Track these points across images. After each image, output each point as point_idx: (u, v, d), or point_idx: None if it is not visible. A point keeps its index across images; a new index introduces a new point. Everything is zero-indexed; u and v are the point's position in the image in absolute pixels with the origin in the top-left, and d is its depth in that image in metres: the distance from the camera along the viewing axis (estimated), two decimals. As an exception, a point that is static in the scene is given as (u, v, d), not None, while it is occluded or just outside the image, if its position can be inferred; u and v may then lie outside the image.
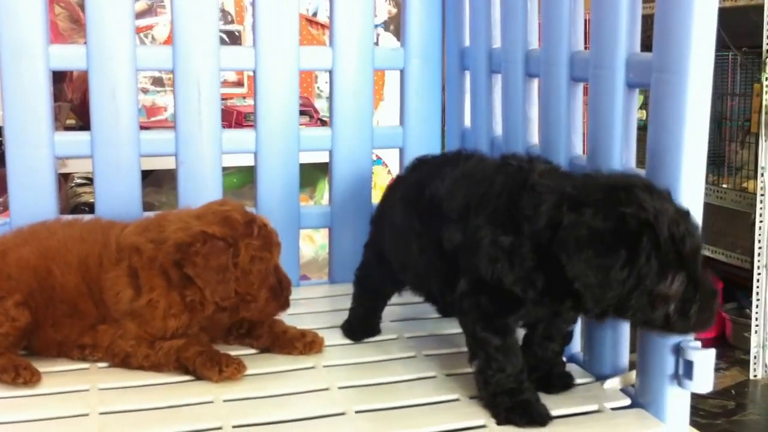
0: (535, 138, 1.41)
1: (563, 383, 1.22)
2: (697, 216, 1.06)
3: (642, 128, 1.13)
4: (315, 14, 2.92)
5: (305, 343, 1.34)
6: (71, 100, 2.55)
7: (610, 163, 1.20)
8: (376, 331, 1.43)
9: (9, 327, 1.27)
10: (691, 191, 1.07)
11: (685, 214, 1.03)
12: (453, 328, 1.30)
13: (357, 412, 1.15)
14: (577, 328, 1.33)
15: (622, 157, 1.19)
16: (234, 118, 2.51)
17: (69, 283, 1.31)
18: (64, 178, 2.61)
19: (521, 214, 1.06)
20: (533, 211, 1.05)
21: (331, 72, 1.66)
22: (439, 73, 1.72)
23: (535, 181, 1.07)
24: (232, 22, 2.97)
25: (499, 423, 1.11)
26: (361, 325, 1.43)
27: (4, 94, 1.51)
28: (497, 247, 1.08)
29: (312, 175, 2.61)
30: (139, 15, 2.84)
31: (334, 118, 1.67)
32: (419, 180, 1.25)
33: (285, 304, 1.34)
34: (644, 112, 3.22)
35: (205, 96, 1.58)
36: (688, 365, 1.09)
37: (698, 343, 1.10)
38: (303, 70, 1.66)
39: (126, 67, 1.54)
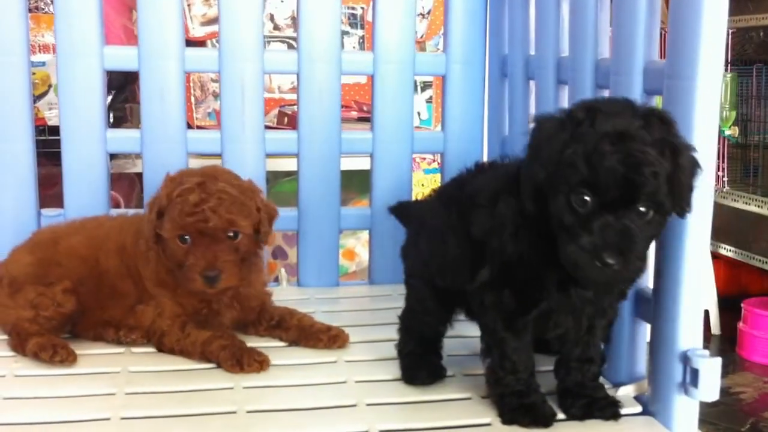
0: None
1: (612, 412, 1.15)
2: (707, 218, 1.07)
3: (735, 146, 1.11)
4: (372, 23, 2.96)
5: (330, 337, 1.38)
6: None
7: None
8: (441, 369, 1.28)
9: (54, 312, 1.35)
10: (700, 193, 1.06)
11: (643, 149, 0.95)
12: (475, 331, 1.31)
13: (368, 405, 1.18)
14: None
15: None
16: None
17: (111, 267, 1.39)
18: (138, 178, 2.70)
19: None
20: None
21: (372, 76, 1.70)
22: (481, 79, 1.74)
23: None
24: (300, 29, 3.03)
25: (504, 422, 1.13)
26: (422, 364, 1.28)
27: (60, 93, 1.60)
28: (521, 218, 1.06)
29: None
30: (212, 21, 2.93)
31: (376, 122, 1.71)
32: (460, 181, 1.25)
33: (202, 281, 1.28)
34: (737, 129, 3.17)
35: (248, 98, 1.65)
36: (695, 373, 1.09)
37: (705, 352, 1.10)
38: (345, 74, 1.70)
39: (174, 68, 1.62)
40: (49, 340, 1.30)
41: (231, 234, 1.29)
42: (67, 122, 1.61)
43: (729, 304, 2.95)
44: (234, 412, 1.14)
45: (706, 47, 1.04)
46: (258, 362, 1.27)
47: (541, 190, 1.02)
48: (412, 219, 1.35)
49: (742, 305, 2.83)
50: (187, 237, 1.28)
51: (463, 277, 1.17)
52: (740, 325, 2.81)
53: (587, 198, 0.97)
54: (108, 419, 1.12)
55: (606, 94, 1.30)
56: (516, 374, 1.13)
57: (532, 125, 1.05)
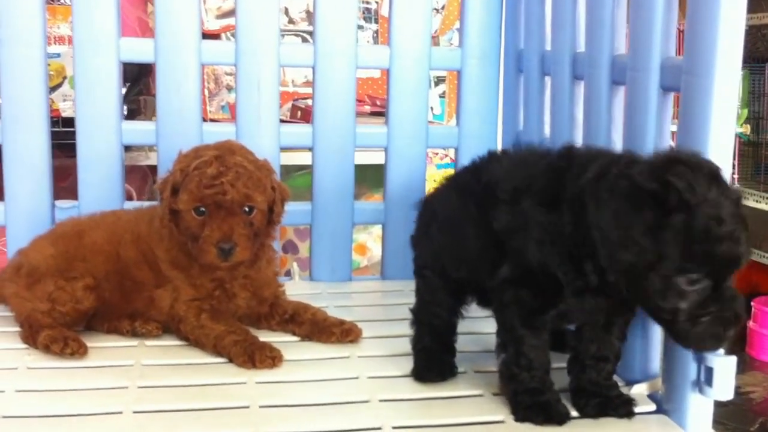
0: (580, 139, 1.41)
1: (627, 410, 1.15)
2: None
3: (747, 144, 1.11)
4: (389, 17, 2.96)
5: (343, 330, 1.38)
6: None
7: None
8: (452, 368, 1.28)
9: (71, 308, 1.35)
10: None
11: (737, 219, 0.95)
12: (490, 328, 1.31)
13: (381, 400, 1.17)
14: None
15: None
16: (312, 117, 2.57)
17: (130, 258, 1.39)
18: (150, 170, 2.70)
19: (564, 189, 1.04)
20: (577, 178, 1.03)
21: (388, 70, 1.70)
22: (496, 74, 1.73)
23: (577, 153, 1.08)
24: (315, 22, 3.03)
25: (516, 419, 1.12)
26: (434, 362, 1.27)
27: (77, 85, 1.60)
28: (546, 227, 1.05)
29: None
30: (227, 14, 2.93)
31: (391, 116, 1.71)
32: (475, 170, 1.22)
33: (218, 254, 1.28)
34: (748, 126, 3.15)
35: (264, 91, 1.64)
36: (709, 372, 1.08)
37: (720, 350, 1.09)
38: (361, 68, 1.70)
39: (191, 61, 1.62)
40: (61, 333, 1.30)
41: (246, 209, 1.30)
42: (82, 114, 1.61)
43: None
44: (247, 407, 1.14)
45: (725, 44, 1.02)
46: (271, 358, 1.27)
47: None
48: (423, 207, 1.31)
49: (752, 304, 2.81)
50: (203, 209, 1.28)
51: (482, 270, 1.16)
52: (750, 323, 2.80)
53: (696, 277, 0.96)
54: (120, 413, 1.12)
55: (622, 90, 1.30)
56: (531, 371, 1.13)
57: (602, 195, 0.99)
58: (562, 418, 1.12)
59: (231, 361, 1.29)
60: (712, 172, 0.96)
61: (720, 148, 1.05)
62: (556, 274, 1.06)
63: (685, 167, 0.95)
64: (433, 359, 1.27)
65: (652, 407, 1.17)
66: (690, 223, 0.93)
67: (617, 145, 1.30)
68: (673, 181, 0.94)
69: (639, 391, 1.20)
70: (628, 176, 0.97)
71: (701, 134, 1.06)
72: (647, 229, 0.94)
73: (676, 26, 1.17)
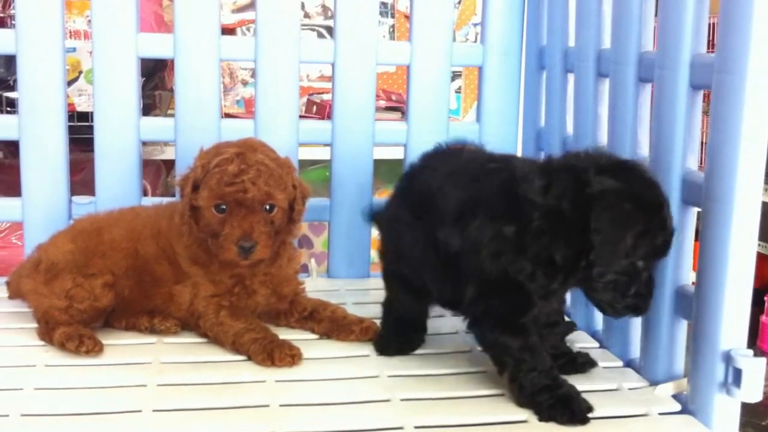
0: (605, 138, 1.40)
1: (591, 365, 1.26)
2: (755, 214, 1.06)
3: None
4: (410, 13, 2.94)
5: (362, 328, 1.37)
6: (172, 88, 2.65)
7: (672, 165, 1.18)
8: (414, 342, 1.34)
9: (88, 305, 1.34)
10: (748, 192, 1.05)
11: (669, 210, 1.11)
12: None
13: (402, 399, 1.16)
14: (636, 334, 1.31)
15: (685, 159, 1.17)
16: (327, 112, 2.57)
17: (149, 254, 1.38)
18: (165, 165, 2.70)
19: (522, 200, 1.09)
20: (542, 190, 1.09)
21: (408, 67, 1.68)
22: (518, 70, 1.71)
23: (528, 169, 1.12)
24: (332, 17, 3.02)
25: (541, 419, 1.11)
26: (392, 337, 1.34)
27: (95, 80, 1.59)
28: (500, 239, 1.10)
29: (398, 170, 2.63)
30: (243, 9, 2.92)
31: (410, 112, 1.69)
32: (411, 176, 1.28)
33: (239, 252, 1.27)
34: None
35: (283, 86, 1.63)
36: (737, 373, 1.07)
37: (749, 351, 1.07)
38: (381, 64, 1.69)
39: (210, 57, 1.61)
40: (76, 330, 1.30)
41: (267, 207, 1.29)
42: (100, 110, 1.60)
43: (752, 297, 2.90)
44: (267, 406, 1.13)
45: (758, 40, 1.01)
46: (290, 356, 1.26)
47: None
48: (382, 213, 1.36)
49: (765, 298, 2.80)
50: (223, 206, 1.27)
51: (423, 271, 1.22)
52: (763, 318, 2.80)
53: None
54: (140, 411, 1.11)
55: (649, 88, 1.28)
56: (536, 370, 1.13)
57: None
58: (585, 414, 1.11)
59: (250, 359, 1.27)
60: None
61: (753, 147, 1.03)
62: (519, 281, 1.10)
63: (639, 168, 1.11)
64: (394, 335, 1.33)
65: (677, 407, 1.16)
66: (659, 225, 1.08)
67: (643, 144, 1.29)
68: (654, 186, 1.09)
69: (664, 391, 1.19)
70: (627, 193, 1.07)
71: (733, 133, 1.04)
72: (636, 235, 1.07)
73: (707, 21, 1.15)
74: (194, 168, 1.32)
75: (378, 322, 1.40)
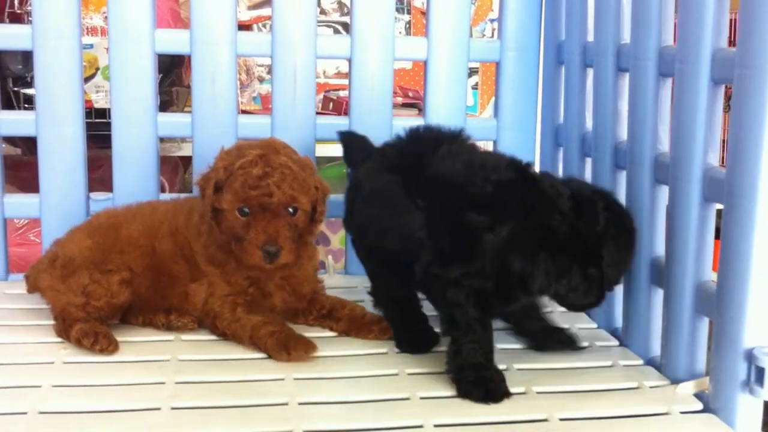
0: (624, 134, 1.38)
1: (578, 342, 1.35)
2: None
3: None
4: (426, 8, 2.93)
5: (381, 328, 1.36)
6: (188, 85, 2.65)
7: (693, 161, 1.17)
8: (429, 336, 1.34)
9: (105, 302, 1.34)
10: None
11: None
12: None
13: (421, 398, 1.16)
14: (657, 332, 1.31)
15: (706, 155, 1.16)
16: (344, 109, 2.56)
17: (165, 251, 1.37)
18: (182, 162, 2.70)
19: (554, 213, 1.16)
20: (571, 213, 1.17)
21: (426, 62, 1.67)
22: (535, 66, 1.70)
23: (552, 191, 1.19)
24: (348, 14, 3.01)
25: (459, 395, 1.16)
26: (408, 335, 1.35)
27: (112, 77, 1.59)
28: (535, 242, 1.15)
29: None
30: (259, 5, 2.92)
31: (427, 108, 1.68)
32: (413, 153, 1.27)
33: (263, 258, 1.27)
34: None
35: (300, 82, 1.63)
36: (760, 372, 1.05)
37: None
38: (398, 60, 1.68)
39: (226, 52, 1.60)
40: (93, 327, 1.29)
41: (291, 210, 1.28)
42: (118, 106, 1.60)
43: None
44: (285, 404, 1.13)
45: (781, 34, 0.99)
46: (304, 346, 1.26)
47: None
48: (349, 185, 1.39)
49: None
50: (247, 210, 1.26)
51: (420, 254, 1.20)
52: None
53: None
54: (158, 409, 1.10)
55: (669, 83, 1.27)
56: (478, 343, 1.18)
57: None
58: (500, 396, 1.15)
59: (266, 352, 1.27)
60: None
61: (775, 143, 1.02)
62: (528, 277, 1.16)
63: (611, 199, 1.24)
64: (407, 332, 1.33)
65: (699, 406, 1.15)
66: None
67: (664, 140, 1.28)
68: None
69: (685, 390, 1.18)
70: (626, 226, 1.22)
71: (755, 128, 1.03)
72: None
73: (729, 16, 1.13)
74: (216, 169, 1.30)
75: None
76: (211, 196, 1.29)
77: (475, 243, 1.15)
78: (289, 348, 1.25)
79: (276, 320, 1.32)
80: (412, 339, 1.33)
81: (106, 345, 1.27)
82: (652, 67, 1.27)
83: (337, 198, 1.66)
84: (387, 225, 1.25)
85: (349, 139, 1.51)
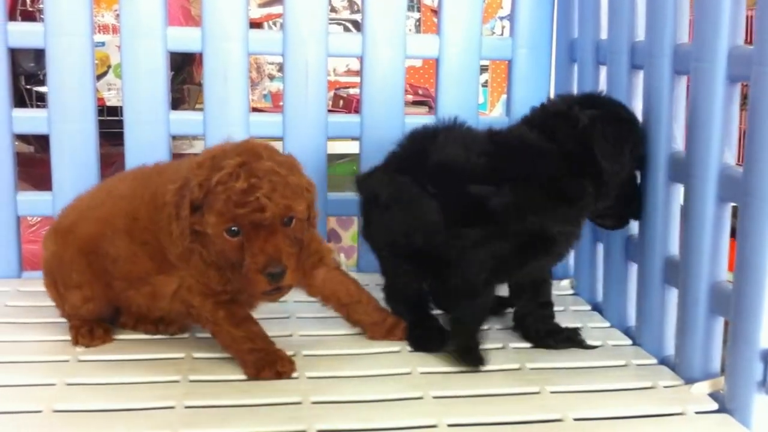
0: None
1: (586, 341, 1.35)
2: None
3: None
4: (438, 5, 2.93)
5: (386, 328, 1.34)
6: (200, 83, 2.65)
7: (709, 160, 1.16)
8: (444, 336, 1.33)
9: (80, 315, 1.31)
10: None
11: None
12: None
13: (434, 397, 1.15)
14: (670, 331, 1.30)
15: (722, 154, 1.15)
16: (354, 106, 2.56)
17: (120, 255, 1.23)
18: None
19: (541, 155, 1.24)
20: (545, 138, 1.25)
21: (437, 60, 1.67)
22: (547, 64, 1.70)
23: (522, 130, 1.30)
24: (358, 11, 3.01)
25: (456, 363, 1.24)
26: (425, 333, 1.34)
27: (124, 74, 1.59)
28: (540, 195, 1.22)
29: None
30: (269, 3, 2.92)
31: (439, 106, 1.68)
32: (417, 150, 1.31)
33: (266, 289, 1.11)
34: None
35: (312, 80, 1.62)
36: (776, 373, 1.05)
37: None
38: (410, 57, 1.68)
39: (238, 50, 1.60)
40: (85, 323, 1.30)
41: (286, 220, 1.11)
42: (130, 104, 1.60)
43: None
44: (299, 403, 1.12)
45: (800, 32, 0.99)
46: (282, 366, 1.19)
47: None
48: (363, 200, 1.38)
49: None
50: (235, 228, 1.09)
51: (439, 237, 1.25)
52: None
53: None
54: (172, 407, 1.10)
55: (684, 80, 1.26)
56: (478, 325, 1.27)
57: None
58: (479, 364, 1.24)
59: (244, 368, 1.20)
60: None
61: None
62: (549, 233, 1.23)
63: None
64: (423, 330, 1.34)
65: (714, 406, 1.14)
66: (640, 137, 1.30)
67: (678, 138, 1.27)
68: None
69: (700, 390, 1.17)
70: (607, 114, 1.26)
71: (772, 127, 1.02)
72: (631, 142, 1.26)
73: (745, 13, 1.13)
74: (190, 186, 1.10)
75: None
76: (188, 218, 1.11)
77: (486, 212, 1.21)
78: (266, 367, 1.18)
79: (258, 334, 1.22)
80: (424, 337, 1.32)
81: (87, 342, 1.28)
82: (667, 65, 1.26)
83: (349, 196, 1.66)
84: (411, 224, 1.26)
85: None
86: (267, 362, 1.19)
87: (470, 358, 1.24)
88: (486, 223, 1.21)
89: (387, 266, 1.38)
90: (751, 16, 1.05)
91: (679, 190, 1.26)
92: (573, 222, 1.27)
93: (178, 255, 1.17)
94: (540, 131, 1.26)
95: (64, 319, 1.35)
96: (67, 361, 1.25)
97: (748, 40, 1.09)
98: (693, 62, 1.18)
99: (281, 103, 1.66)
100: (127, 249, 1.22)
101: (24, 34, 1.59)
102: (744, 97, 1.13)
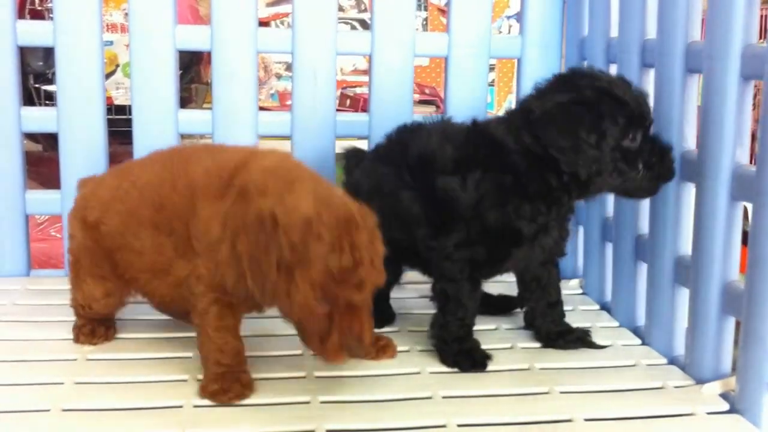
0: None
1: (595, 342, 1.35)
2: None
3: None
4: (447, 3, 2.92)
5: (378, 348, 1.27)
6: (207, 82, 2.65)
7: (721, 159, 1.15)
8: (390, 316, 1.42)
9: (95, 310, 1.29)
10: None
11: (631, 83, 1.21)
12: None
13: (444, 397, 1.15)
14: (680, 330, 1.29)
15: (734, 153, 1.14)
16: (360, 105, 2.56)
17: (146, 241, 1.18)
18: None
19: (506, 150, 1.22)
20: (507, 132, 1.22)
21: (446, 59, 1.66)
22: (557, 62, 1.69)
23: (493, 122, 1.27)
24: (365, 10, 3.01)
25: (447, 365, 1.24)
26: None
27: (133, 73, 1.59)
28: (502, 189, 1.21)
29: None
30: (275, 3, 2.92)
31: (448, 105, 1.67)
32: (395, 143, 1.36)
33: (330, 351, 1.06)
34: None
35: (321, 79, 1.62)
36: (788, 372, 1.04)
37: (800, 351, 1.05)
38: (419, 56, 1.67)
39: (247, 49, 1.60)
40: (88, 322, 1.30)
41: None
42: (139, 103, 1.60)
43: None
44: (308, 402, 1.12)
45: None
46: (240, 388, 1.12)
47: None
48: (348, 189, 1.35)
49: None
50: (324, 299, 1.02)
51: (417, 228, 1.28)
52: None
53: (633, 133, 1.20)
54: (180, 407, 1.10)
55: (696, 79, 1.25)
56: (464, 320, 1.26)
57: None
58: (485, 361, 1.25)
59: (205, 379, 1.15)
60: (595, 71, 1.23)
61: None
62: (514, 227, 1.21)
63: (577, 76, 1.22)
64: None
65: (725, 407, 1.13)
66: (613, 100, 1.17)
67: (690, 137, 1.26)
68: (582, 84, 1.19)
69: (711, 390, 1.17)
70: (550, 102, 1.19)
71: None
72: (589, 128, 1.15)
73: (759, 11, 1.12)
74: (276, 245, 1.00)
75: (416, 318, 1.39)
76: (275, 279, 1.01)
77: (454, 207, 1.23)
78: (217, 385, 1.12)
79: (231, 349, 1.15)
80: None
81: (88, 340, 1.29)
82: (679, 63, 1.25)
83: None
84: (390, 214, 1.24)
85: (351, 152, 1.49)
86: (222, 380, 1.13)
87: (469, 362, 1.24)
88: (456, 223, 1.23)
89: None
90: (765, 15, 1.04)
91: (691, 190, 1.25)
92: (544, 216, 1.23)
93: (206, 247, 1.10)
94: (506, 125, 1.24)
95: (72, 318, 1.35)
96: (75, 359, 1.25)
97: (762, 38, 1.08)
98: (706, 60, 1.18)
99: (288, 102, 1.65)
100: (153, 240, 1.17)
101: (33, 33, 1.59)
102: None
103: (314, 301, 1.00)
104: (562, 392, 1.17)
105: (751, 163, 1.14)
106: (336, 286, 0.99)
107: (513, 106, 1.67)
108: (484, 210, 1.21)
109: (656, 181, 1.22)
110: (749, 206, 1.10)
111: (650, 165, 1.20)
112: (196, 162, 1.16)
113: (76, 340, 1.30)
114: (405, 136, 1.35)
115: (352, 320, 1.03)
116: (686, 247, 1.27)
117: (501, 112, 2.74)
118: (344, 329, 1.02)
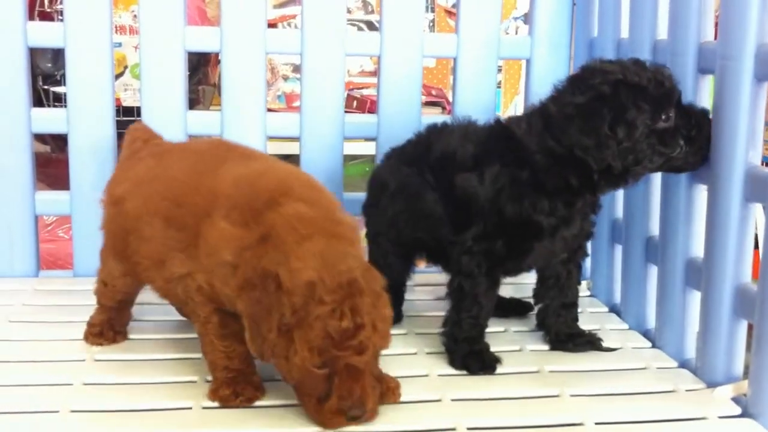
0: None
1: (603, 344, 1.34)
2: None
3: None
4: (455, 5, 2.92)
5: (382, 391, 1.14)
6: (215, 83, 2.65)
7: (734, 160, 1.14)
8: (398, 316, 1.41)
9: (111, 296, 1.30)
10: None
11: (644, 64, 1.18)
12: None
13: (453, 400, 1.14)
14: (691, 334, 1.28)
15: (747, 154, 1.14)
16: (367, 107, 2.55)
17: (155, 231, 1.15)
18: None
19: (524, 147, 1.21)
20: (528, 132, 1.21)
21: (455, 60, 1.66)
22: (566, 63, 1.68)
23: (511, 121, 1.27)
24: (372, 12, 3.01)
25: (455, 367, 1.24)
26: None
27: (142, 74, 1.59)
28: (519, 183, 1.21)
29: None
30: (285, 4, 2.92)
31: (456, 106, 1.67)
32: (419, 144, 1.36)
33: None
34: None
35: (329, 80, 1.62)
36: (801, 377, 1.03)
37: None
38: (427, 57, 1.67)
39: (256, 50, 1.60)
40: (98, 324, 1.31)
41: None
42: (148, 104, 1.60)
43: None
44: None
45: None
46: (252, 392, 1.13)
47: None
48: (372, 181, 1.43)
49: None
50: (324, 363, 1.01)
51: (441, 228, 1.29)
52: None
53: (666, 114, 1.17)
54: (189, 408, 1.10)
55: (709, 79, 1.24)
56: (477, 319, 1.25)
57: None
58: (494, 364, 1.24)
59: (214, 384, 1.13)
60: (602, 62, 1.21)
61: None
62: (533, 220, 1.21)
63: (587, 72, 1.20)
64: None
65: (738, 411, 1.12)
66: (632, 86, 1.14)
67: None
68: (595, 83, 1.16)
69: (723, 394, 1.16)
70: (568, 104, 1.17)
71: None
72: (611, 122, 1.14)
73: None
74: (278, 307, 0.99)
75: (426, 319, 1.39)
76: (274, 340, 1.00)
77: (473, 202, 1.23)
78: (229, 390, 1.12)
79: (239, 354, 1.13)
80: None
81: (95, 341, 1.29)
82: (691, 64, 1.24)
83: (361, 196, 1.65)
84: (416, 215, 1.31)
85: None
86: (233, 384, 1.12)
87: (478, 364, 1.24)
88: (473, 209, 1.24)
89: (377, 256, 1.39)
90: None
91: (702, 191, 1.24)
92: (562, 211, 1.22)
93: (210, 264, 1.08)
94: (528, 125, 1.23)
95: (80, 318, 1.34)
96: (83, 360, 1.24)
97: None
98: (719, 60, 1.17)
99: (295, 104, 1.65)
100: (163, 233, 1.14)
101: (44, 34, 1.58)
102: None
103: (312, 362, 0.99)
104: (572, 395, 1.16)
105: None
106: (336, 349, 0.98)
107: (519, 107, 1.68)
108: (502, 203, 1.21)
109: (699, 152, 1.19)
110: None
111: (690, 138, 1.17)
112: (228, 167, 1.13)
113: (85, 338, 1.30)
114: (429, 136, 1.36)
115: (353, 384, 1.01)
116: (698, 249, 1.26)
117: (507, 114, 2.73)
118: (344, 393, 1.01)
